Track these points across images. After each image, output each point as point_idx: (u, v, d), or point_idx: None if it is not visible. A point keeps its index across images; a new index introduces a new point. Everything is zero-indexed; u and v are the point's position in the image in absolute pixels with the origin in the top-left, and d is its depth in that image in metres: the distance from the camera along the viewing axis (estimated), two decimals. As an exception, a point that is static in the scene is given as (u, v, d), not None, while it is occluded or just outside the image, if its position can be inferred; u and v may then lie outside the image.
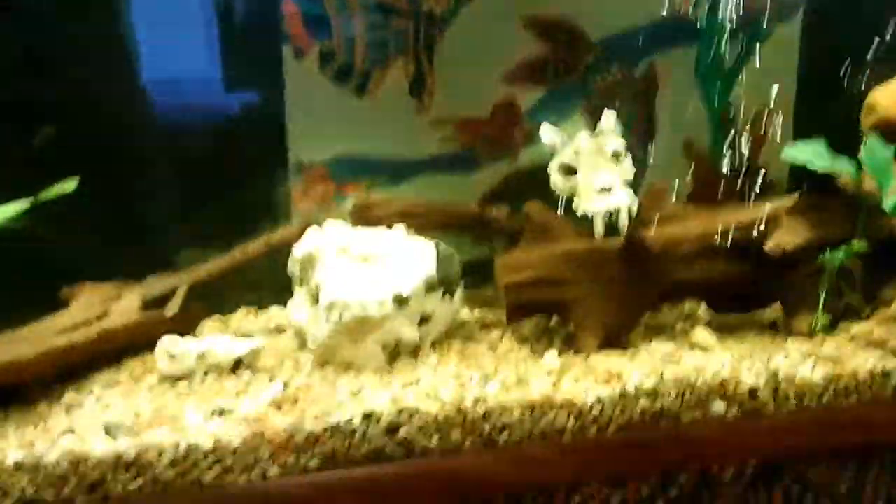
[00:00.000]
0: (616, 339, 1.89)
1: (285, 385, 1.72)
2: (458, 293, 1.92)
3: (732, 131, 2.25)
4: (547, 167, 2.00)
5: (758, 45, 2.20)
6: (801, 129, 2.22)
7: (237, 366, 1.79)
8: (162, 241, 2.08)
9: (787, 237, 1.88)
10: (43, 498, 1.47)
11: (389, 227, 1.96)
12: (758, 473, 1.75)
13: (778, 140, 2.09)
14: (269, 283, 2.09)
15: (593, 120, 2.09)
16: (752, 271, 1.92)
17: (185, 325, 1.91)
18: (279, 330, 2.01)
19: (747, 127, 2.13)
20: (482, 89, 2.17)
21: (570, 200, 1.96)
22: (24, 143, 1.92)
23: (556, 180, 1.97)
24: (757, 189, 1.93)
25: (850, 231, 1.90)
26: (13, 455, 1.49)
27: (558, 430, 1.67)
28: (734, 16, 2.01)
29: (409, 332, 1.83)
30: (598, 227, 1.91)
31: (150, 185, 2.09)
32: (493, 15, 2.12)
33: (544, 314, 1.99)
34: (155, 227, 2.09)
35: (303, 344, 1.89)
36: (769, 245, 1.88)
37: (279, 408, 1.63)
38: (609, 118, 1.98)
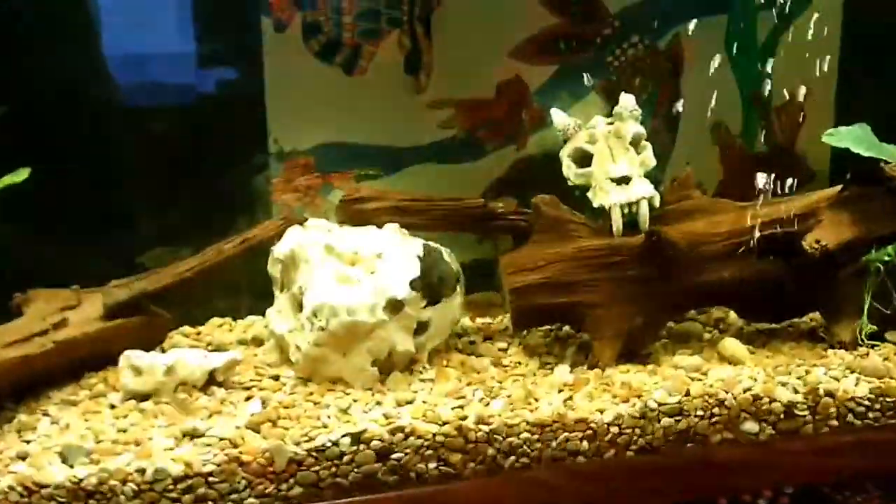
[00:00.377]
0: (636, 351, 1.88)
1: (264, 403, 1.72)
2: (459, 298, 1.92)
3: (767, 113, 2.26)
4: (558, 155, 1.99)
5: (796, 16, 2.19)
6: (844, 112, 2.22)
7: (210, 382, 1.79)
8: (126, 241, 2.07)
9: (829, 234, 1.88)
10: (-8, 532, 1.48)
11: (382, 223, 1.95)
12: (795, 502, 1.76)
13: (818, 124, 2.08)
14: (247, 288, 2.10)
15: (610, 101, 2.08)
16: (788, 273, 1.92)
17: (151, 336, 1.91)
18: (257, 341, 2.01)
19: (783, 109, 2.12)
20: (486, 67, 2.16)
21: (584, 192, 1.96)
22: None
23: (569, 169, 1.97)
24: (794, 179, 1.92)
25: (900, 227, 1.91)
26: (-42, 484, 1.48)
27: (571, 452, 1.68)
28: (769, -17, 2.03)
29: (404, 342, 1.82)
30: (616, 223, 1.90)
31: (111, 175, 2.08)
32: (498, -18, 2.12)
33: (555, 322, 1.98)
34: (118, 225, 2.08)
35: (284, 356, 1.89)
36: (808, 243, 1.87)
37: (257, 429, 1.63)
38: (628, 99, 1.97)
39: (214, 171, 2.08)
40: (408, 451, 1.62)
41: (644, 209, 1.90)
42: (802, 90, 2.04)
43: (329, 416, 1.67)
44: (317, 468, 1.59)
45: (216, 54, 2.13)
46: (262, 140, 2.09)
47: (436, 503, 1.62)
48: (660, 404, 1.71)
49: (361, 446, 1.60)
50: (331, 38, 2.08)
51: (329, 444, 1.59)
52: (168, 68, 2.11)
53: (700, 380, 1.79)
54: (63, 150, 2.00)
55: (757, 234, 1.89)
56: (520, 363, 1.91)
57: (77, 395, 1.78)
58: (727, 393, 1.73)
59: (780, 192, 1.92)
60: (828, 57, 2.02)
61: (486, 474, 1.64)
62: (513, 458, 1.65)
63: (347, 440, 1.60)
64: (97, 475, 1.51)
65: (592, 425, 1.68)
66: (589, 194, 1.95)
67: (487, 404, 1.71)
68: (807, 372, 1.82)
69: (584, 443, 1.68)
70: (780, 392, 1.75)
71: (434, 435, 1.63)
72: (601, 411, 1.70)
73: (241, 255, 1.95)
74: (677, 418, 1.71)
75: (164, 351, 1.87)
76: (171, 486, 1.53)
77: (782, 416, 1.74)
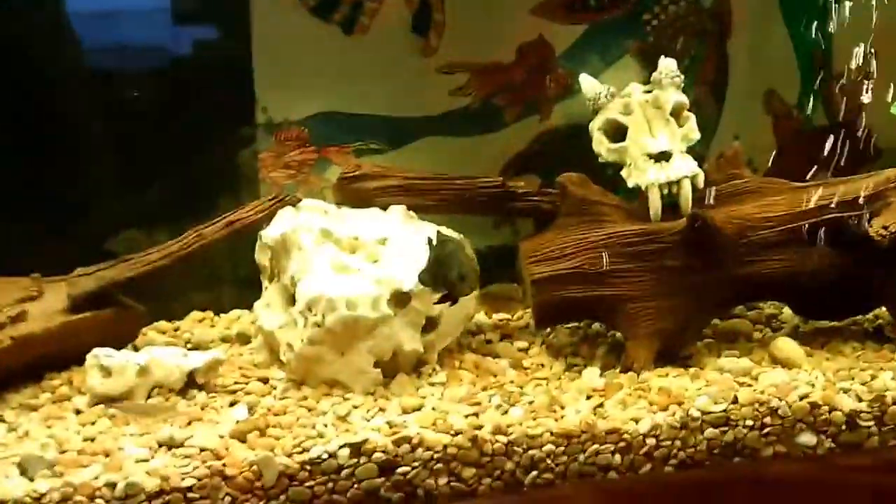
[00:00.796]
0: (675, 352, 1.88)
1: (251, 409, 1.72)
2: (474, 291, 1.91)
3: (828, 81, 2.24)
4: (587, 127, 1.98)
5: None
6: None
7: (190, 385, 1.79)
8: (93, 223, 2.08)
9: (898, 219, 1.88)
10: (-59, 553, 1.48)
11: (386, 205, 1.95)
12: (857, 525, 1.76)
13: (887, 94, 2.07)
14: (231, 278, 2.10)
15: (648, 66, 2.08)
16: (851, 264, 1.92)
17: (122, 332, 1.91)
18: (243, 338, 2.01)
19: (846, 74, 2.11)
20: (505, 26, 2.16)
21: (617, 170, 1.95)
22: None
23: (600, 144, 1.96)
24: (858, 156, 1.92)
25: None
26: None
27: (601, 467, 1.67)
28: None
29: (411, 341, 1.82)
30: (654, 205, 1.89)
31: (75, 149, 2.08)
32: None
33: (583, 318, 1.98)
34: (85, 205, 2.08)
35: (274, 356, 1.89)
36: (875, 229, 1.87)
37: (243, 438, 1.63)
38: (668, 64, 1.97)
39: (194, 144, 2.08)
40: (415, 464, 1.61)
41: (686, 189, 1.89)
42: (870, 54, 2.02)
43: (325, 425, 1.67)
44: (311, 483, 1.58)
45: (195, 10, 2.13)
46: (249, 109, 2.09)
47: (447, 524, 1.62)
48: (703, 413, 1.70)
49: (362, 459, 1.60)
50: (328, -9, 2.08)
51: (325, 457, 1.59)
52: (139, 26, 2.11)
53: (749, 385, 1.79)
54: (18, 120, 2.00)
55: (815, 218, 1.89)
56: (542, 365, 1.91)
57: (38, 399, 1.78)
58: (780, 400, 1.73)
59: (841, 171, 1.91)
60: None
61: (504, 491, 1.64)
62: (534, 473, 1.65)
63: (346, 452, 1.59)
64: (60, 490, 1.51)
65: (626, 436, 1.68)
66: (623, 172, 1.94)
67: (505, 412, 1.71)
68: (872, 377, 1.81)
69: (616, 456, 1.67)
70: (842, 400, 1.75)
71: (445, 446, 1.63)
72: (636, 420, 1.69)
73: (225, 240, 1.95)
74: (723, 429, 1.71)
75: (136, 349, 1.87)
76: (144, 503, 1.52)
77: (844, 427, 1.74)
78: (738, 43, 2.24)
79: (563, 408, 1.72)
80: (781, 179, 1.99)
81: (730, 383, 1.78)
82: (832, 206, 1.90)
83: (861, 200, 1.90)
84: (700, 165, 1.93)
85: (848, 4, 2.01)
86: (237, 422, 1.67)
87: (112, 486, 1.52)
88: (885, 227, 1.86)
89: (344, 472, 1.59)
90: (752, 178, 1.99)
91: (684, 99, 1.96)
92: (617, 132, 1.96)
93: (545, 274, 1.89)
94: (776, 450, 1.73)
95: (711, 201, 1.89)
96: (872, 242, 1.86)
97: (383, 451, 1.61)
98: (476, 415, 1.70)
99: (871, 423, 1.75)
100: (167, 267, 1.92)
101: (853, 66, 2.04)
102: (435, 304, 1.82)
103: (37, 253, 1.97)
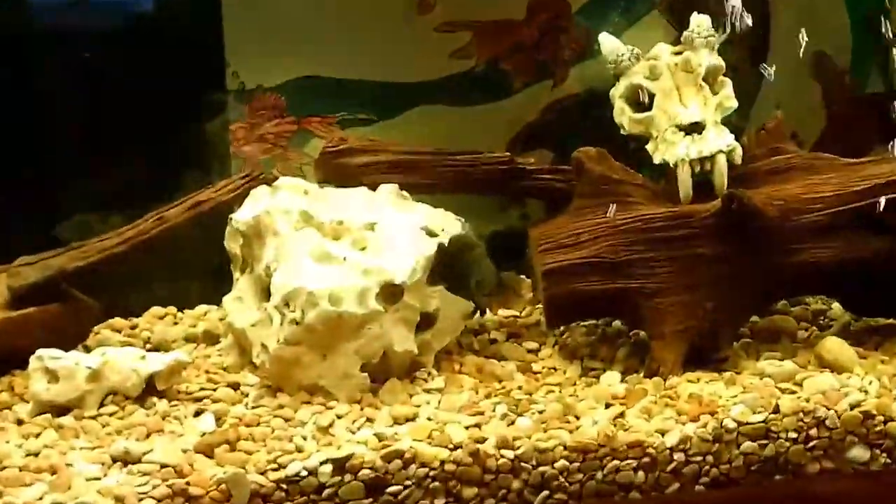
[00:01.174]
0: (708, 354, 1.88)
1: (219, 419, 1.71)
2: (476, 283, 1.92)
3: (885, 42, 2.23)
4: (608, 94, 1.99)
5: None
6: None
7: (149, 391, 1.78)
8: (42, 205, 2.09)
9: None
10: None
11: (375, 184, 1.95)
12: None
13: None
14: (197, 268, 2.09)
15: (677, 24, 2.09)
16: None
17: (72, 330, 1.91)
18: (211, 338, 2.01)
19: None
20: (513, -23, 2.18)
21: (642, 144, 1.95)
22: None
23: (623, 114, 1.96)
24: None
25: None
26: None
27: (622, 486, 1.67)
28: None
29: (404, 341, 1.82)
30: (684, 184, 1.89)
31: (22, 118, 2.08)
32: None
33: (602, 315, 1.98)
34: (31, 184, 2.09)
35: (246, 358, 1.89)
36: (938, 213, 1.87)
37: (210, 453, 1.61)
38: (701, 21, 1.97)
39: (156, 114, 2.08)
40: (408, 482, 1.60)
41: (721, 166, 1.89)
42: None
43: (304, 437, 1.66)
44: (289, 503, 1.58)
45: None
46: (218, 74, 2.10)
47: (444, 552, 1.62)
48: (739, 424, 1.69)
49: (347, 476, 1.59)
50: (308, -62, 2.10)
51: (304, 474, 1.58)
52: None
53: (793, 392, 1.78)
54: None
55: (871, 199, 1.88)
56: (555, 369, 1.90)
57: (-26, 407, 1.78)
58: (829, 409, 1.72)
59: (900, 144, 1.92)
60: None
61: (511, 513, 1.64)
62: (545, 492, 1.64)
63: (328, 468, 1.58)
64: (-1, 512, 1.51)
65: (650, 451, 1.66)
66: (649, 146, 1.94)
67: (512, 423, 1.70)
68: (934, 382, 1.81)
69: (640, 473, 1.66)
70: (899, 408, 1.75)
71: (442, 462, 1.61)
72: (662, 432, 1.68)
73: (190, 225, 1.96)
74: (762, 442, 1.70)
75: (88, 350, 1.86)
76: (97, 527, 1.52)
77: (901, 439, 1.74)
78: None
79: (578, 418, 1.72)
80: (831, 154, 1.99)
81: (770, 390, 1.77)
82: (889, 185, 1.89)
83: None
84: (737, 138, 1.93)
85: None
86: (203, 434, 1.66)
87: (59, 507, 1.51)
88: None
89: (326, 492, 1.58)
90: (798, 154, 1.99)
91: (720, 62, 1.96)
92: (642, 101, 1.95)
93: (558, 264, 1.88)
94: (823, 466, 1.72)
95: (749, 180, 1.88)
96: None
97: (371, 468, 1.59)
98: (478, 426, 1.69)
99: (933, 435, 1.74)
100: (124, 255, 1.92)
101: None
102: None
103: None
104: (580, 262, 1.88)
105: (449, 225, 1.91)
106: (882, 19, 2.19)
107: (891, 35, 2.17)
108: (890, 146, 1.89)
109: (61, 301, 1.89)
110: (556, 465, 1.64)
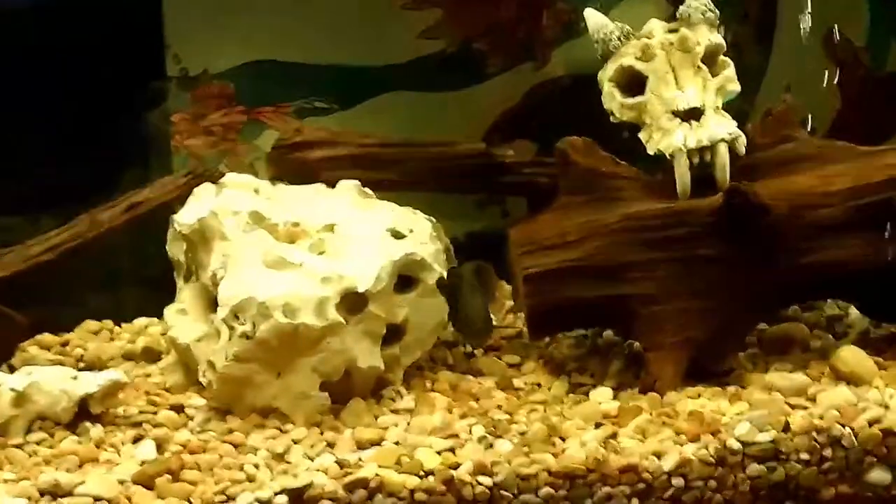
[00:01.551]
0: (710, 366, 1.89)
1: (160, 447, 1.71)
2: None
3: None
4: (596, 77, 1.99)
5: None
6: None
7: (82, 415, 1.78)
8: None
9: None
10: None
11: (335, 180, 1.95)
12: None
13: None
14: (136, 277, 2.10)
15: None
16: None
17: (-7, 346, 1.91)
18: (151, 355, 2.01)
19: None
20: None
21: (634, 132, 1.95)
22: None
23: (612, 99, 1.97)
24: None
25: None
26: None
27: (615, 515, 1.68)
28: None
29: (368, 356, 1.82)
30: (682, 177, 1.89)
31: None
32: None
33: (591, 324, 1.99)
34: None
35: (191, 377, 1.89)
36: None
37: (150, 484, 1.61)
38: (698, -4, 1.99)
39: (88, 104, 2.09)
40: (374, 514, 1.61)
41: (723, 156, 1.89)
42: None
43: (257, 465, 1.65)
44: (239, 541, 1.58)
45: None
46: (157, 58, 2.10)
47: None
48: (745, 444, 1.70)
49: (304, 509, 1.59)
50: None
51: (257, 506, 1.59)
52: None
53: (805, 408, 1.78)
54: None
55: (891, 193, 1.89)
56: (539, 385, 1.91)
57: None
58: (845, 427, 1.72)
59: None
60: None
61: (489, 549, 1.64)
62: (528, 523, 1.65)
63: (284, 499, 1.58)
64: (-90, 556, 1.51)
65: (646, 475, 1.66)
66: (642, 135, 1.94)
67: (490, 445, 1.70)
68: (964, 397, 1.82)
69: (634, 501, 1.66)
70: (924, 426, 1.75)
71: (412, 491, 1.61)
72: (658, 455, 1.68)
73: (127, 228, 1.96)
74: (771, 464, 1.70)
75: (13, 370, 1.86)
76: (22, 571, 1.53)
77: (927, 461, 1.75)
78: (790, -31, 2.25)
79: (564, 440, 1.72)
80: (846, 143, 1.99)
81: (780, 406, 1.78)
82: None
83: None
84: (741, 125, 1.93)
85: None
86: (142, 462, 1.66)
87: (-21, 548, 1.52)
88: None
89: (281, 527, 1.59)
90: (809, 142, 1.99)
91: (720, 41, 1.96)
92: (634, 83, 1.96)
93: (541, 268, 1.89)
94: (839, 490, 1.73)
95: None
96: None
97: (332, 499, 1.59)
98: (452, 450, 1.69)
99: (963, 456, 1.75)
100: (52, 263, 1.92)
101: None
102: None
103: None
104: (566, 266, 1.89)
105: (418, 226, 1.91)
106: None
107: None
108: None
109: (-19, 315, 1.89)
110: (541, 492, 1.64)
